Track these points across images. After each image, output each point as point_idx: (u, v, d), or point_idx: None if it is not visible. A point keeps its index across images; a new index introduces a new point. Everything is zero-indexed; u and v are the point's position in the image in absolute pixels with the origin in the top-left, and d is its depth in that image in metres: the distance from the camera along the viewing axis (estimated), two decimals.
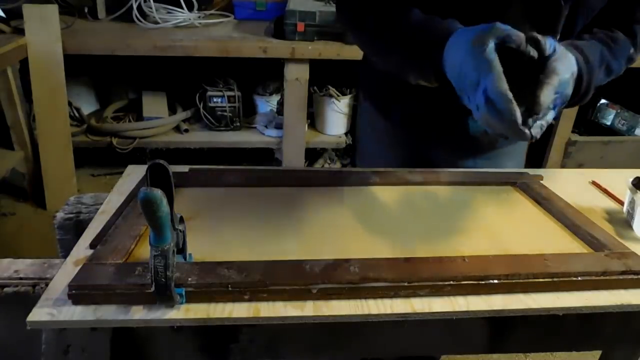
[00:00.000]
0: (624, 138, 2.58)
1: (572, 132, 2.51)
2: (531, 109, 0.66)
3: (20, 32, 2.01)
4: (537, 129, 0.67)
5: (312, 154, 2.63)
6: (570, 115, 2.37)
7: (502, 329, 0.71)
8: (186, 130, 2.45)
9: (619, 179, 0.97)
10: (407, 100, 1.01)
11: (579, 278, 0.69)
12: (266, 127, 2.49)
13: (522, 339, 0.72)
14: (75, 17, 2.24)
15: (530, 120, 0.66)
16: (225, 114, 2.44)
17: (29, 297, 0.66)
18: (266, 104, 2.61)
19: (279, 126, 2.44)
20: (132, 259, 0.69)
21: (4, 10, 2.10)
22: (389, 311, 0.64)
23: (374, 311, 0.64)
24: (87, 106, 2.54)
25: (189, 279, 0.63)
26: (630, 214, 0.87)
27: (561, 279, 0.68)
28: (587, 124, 2.63)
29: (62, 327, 0.61)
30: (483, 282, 0.67)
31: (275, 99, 2.60)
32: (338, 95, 2.45)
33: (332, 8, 2.23)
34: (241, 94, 2.44)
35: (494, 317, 0.67)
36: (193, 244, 0.70)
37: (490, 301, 0.66)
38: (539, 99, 0.66)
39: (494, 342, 0.72)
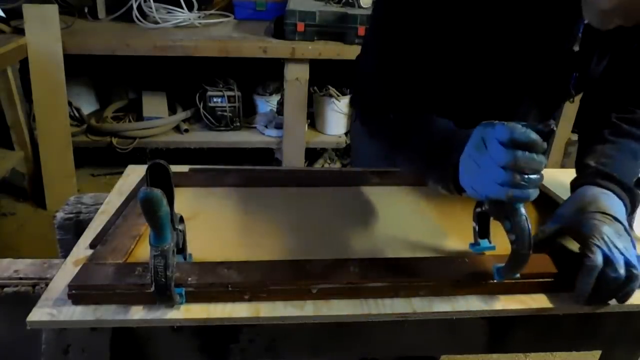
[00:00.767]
0: None
1: (572, 132, 2.51)
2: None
3: (20, 32, 2.01)
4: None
5: (312, 154, 2.63)
6: (570, 115, 2.37)
7: (502, 329, 0.71)
8: (186, 130, 2.45)
9: None
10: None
11: None
12: (266, 127, 2.49)
13: (522, 339, 0.72)
14: (75, 17, 2.24)
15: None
16: (225, 114, 2.44)
17: (29, 297, 0.66)
18: (266, 104, 2.61)
19: (279, 126, 2.44)
20: (132, 259, 0.69)
21: (4, 10, 2.10)
22: (389, 311, 0.64)
23: (374, 311, 0.64)
24: (87, 106, 2.54)
25: (189, 279, 0.63)
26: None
27: (560, 279, 0.68)
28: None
29: (62, 327, 0.61)
30: (483, 282, 0.67)
31: (275, 99, 2.60)
32: (338, 95, 2.45)
33: (332, 8, 2.23)
34: (241, 94, 2.44)
35: (494, 317, 0.67)
36: (193, 243, 0.70)
37: (490, 301, 0.66)
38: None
39: (494, 342, 0.72)
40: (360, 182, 0.95)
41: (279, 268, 0.67)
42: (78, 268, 0.65)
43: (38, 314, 0.60)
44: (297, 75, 2.23)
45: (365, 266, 0.68)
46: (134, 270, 0.64)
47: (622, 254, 0.64)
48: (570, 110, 2.28)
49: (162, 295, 0.59)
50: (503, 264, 0.65)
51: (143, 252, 0.71)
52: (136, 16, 2.25)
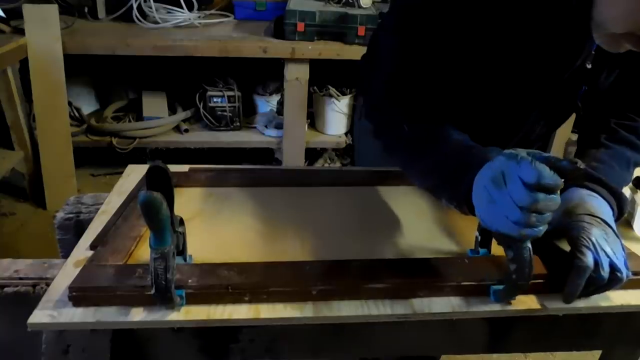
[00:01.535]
0: None
1: (572, 132, 2.51)
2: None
3: (20, 32, 2.01)
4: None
5: (312, 154, 2.63)
6: (569, 118, 2.37)
7: (502, 329, 0.71)
8: (186, 130, 2.45)
9: None
10: None
11: None
12: (266, 127, 2.49)
13: (522, 339, 0.72)
14: (75, 17, 2.24)
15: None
16: (225, 114, 2.44)
17: (29, 297, 0.66)
18: (266, 104, 2.61)
19: (279, 126, 2.44)
20: (132, 261, 0.69)
21: (4, 10, 2.10)
22: (389, 312, 0.64)
23: (374, 312, 0.64)
24: (87, 106, 2.54)
25: (189, 280, 0.63)
26: (631, 214, 0.87)
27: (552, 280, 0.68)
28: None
29: (63, 329, 0.61)
30: (483, 283, 0.67)
31: (275, 99, 2.60)
32: (338, 95, 2.45)
33: (332, 8, 2.23)
34: (241, 94, 2.44)
35: (494, 317, 0.68)
36: (193, 244, 0.70)
37: (489, 302, 0.66)
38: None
39: (494, 342, 0.72)
40: (360, 182, 0.95)
41: (279, 269, 0.67)
42: (78, 269, 0.65)
43: (39, 316, 0.60)
44: (297, 75, 2.23)
45: (365, 267, 0.68)
46: (135, 272, 0.64)
47: (608, 256, 0.64)
48: None
49: (163, 298, 0.59)
50: (500, 287, 0.65)
51: (143, 253, 0.71)
52: (136, 16, 2.25)
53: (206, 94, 2.42)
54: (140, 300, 0.62)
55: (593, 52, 0.76)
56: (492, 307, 0.66)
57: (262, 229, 0.80)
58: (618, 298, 0.68)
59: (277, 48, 2.16)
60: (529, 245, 0.60)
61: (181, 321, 0.61)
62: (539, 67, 0.78)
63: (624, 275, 0.64)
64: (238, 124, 2.48)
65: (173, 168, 0.91)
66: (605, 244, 0.65)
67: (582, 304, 0.67)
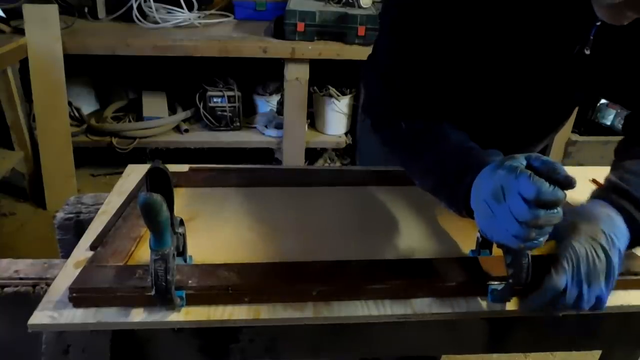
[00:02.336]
0: None
1: (572, 132, 2.51)
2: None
3: (20, 32, 2.01)
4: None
5: (312, 154, 2.63)
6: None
7: (502, 329, 0.71)
8: (186, 130, 2.45)
9: None
10: None
11: None
12: (266, 127, 2.49)
13: (522, 339, 0.72)
14: (75, 17, 2.24)
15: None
16: (225, 114, 2.44)
17: (29, 297, 0.66)
18: (266, 104, 2.61)
19: (279, 126, 2.44)
20: (132, 261, 0.69)
21: (4, 10, 2.10)
22: (389, 312, 0.64)
23: (374, 312, 0.64)
24: (87, 106, 2.54)
25: (190, 281, 0.63)
26: None
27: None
28: (587, 124, 2.62)
29: (63, 329, 0.61)
30: (483, 283, 0.67)
31: (275, 99, 2.60)
32: (338, 95, 2.44)
33: (332, 8, 2.23)
34: (241, 94, 2.44)
35: (494, 317, 0.68)
36: (193, 245, 0.70)
37: (490, 301, 0.66)
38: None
39: (494, 342, 0.72)
40: (360, 182, 0.95)
41: (278, 270, 0.67)
42: (79, 270, 0.65)
43: (39, 317, 0.60)
44: (297, 75, 2.23)
45: (365, 267, 0.68)
46: (135, 273, 0.64)
47: (579, 286, 0.61)
48: None
49: (163, 299, 0.59)
50: (498, 286, 0.65)
51: (143, 253, 0.71)
52: (136, 16, 2.25)
53: (206, 94, 2.42)
54: (140, 301, 0.62)
55: (592, 38, 0.74)
56: (492, 307, 0.66)
57: (262, 229, 0.80)
58: (618, 298, 0.68)
59: (277, 48, 2.16)
60: (528, 252, 0.60)
61: (181, 322, 0.61)
62: (538, 54, 0.77)
63: (588, 306, 0.62)
64: (238, 124, 2.48)
65: (173, 168, 0.91)
66: (585, 275, 0.61)
67: None
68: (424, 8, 0.74)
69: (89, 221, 0.81)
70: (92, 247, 0.72)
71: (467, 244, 0.77)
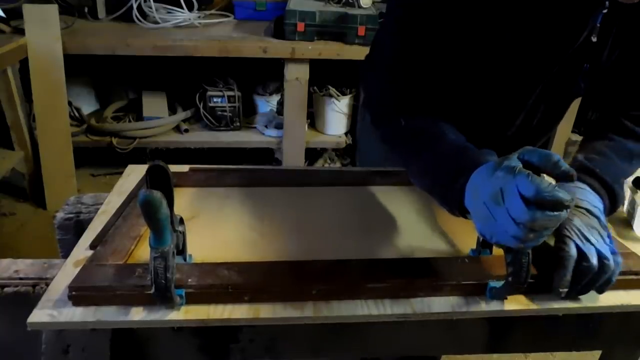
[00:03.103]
0: None
1: (572, 132, 2.51)
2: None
3: (20, 32, 2.01)
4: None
5: (312, 154, 2.63)
6: (570, 115, 2.37)
7: (502, 329, 0.71)
8: (186, 130, 2.45)
9: None
10: None
11: None
12: (266, 127, 2.49)
13: (522, 339, 0.72)
14: (75, 17, 2.24)
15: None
16: (225, 114, 2.44)
17: (29, 297, 0.66)
18: (266, 104, 2.61)
19: (279, 126, 2.44)
20: (132, 260, 0.69)
21: (4, 10, 2.10)
22: (389, 312, 0.64)
23: (374, 312, 0.64)
24: (87, 106, 2.54)
25: (189, 280, 0.63)
26: (631, 214, 0.87)
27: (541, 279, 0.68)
28: (587, 124, 2.63)
29: (62, 328, 0.61)
30: (483, 283, 0.67)
31: (275, 99, 2.60)
32: (338, 95, 2.45)
33: (332, 8, 2.23)
34: (241, 94, 2.44)
35: (494, 317, 0.67)
36: (193, 244, 0.70)
37: (490, 301, 0.66)
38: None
39: (494, 342, 0.72)
40: (360, 182, 0.95)
41: (278, 269, 0.67)
42: (78, 269, 0.65)
43: (38, 315, 0.60)
44: (297, 75, 2.23)
45: (365, 267, 0.68)
46: (134, 272, 0.64)
47: (592, 245, 0.64)
48: (570, 110, 2.28)
49: (163, 297, 0.59)
50: (497, 283, 0.65)
51: (143, 252, 0.71)
52: (136, 16, 2.25)
53: (206, 94, 2.42)
54: (140, 300, 0.62)
55: (598, 25, 0.75)
56: (492, 307, 0.66)
57: (262, 229, 0.80)
58: (618, 298, 0.68)
59: (277, 48, 2.16)
60: (528, 251, 0.60)
61: (181, 320, 0.61)
62: (545, 41, 0.77)
63: (611, 261, 0.63)
64: (238, 124, 2.48)
65: (173, 168, 0.91)
66: (588, 233, 0.65)
67: (581, 304, 0.67)
68: (429, 5, 0.74)
69: (89, 221, 0.81)
70: (92, 246, 0.72)
71: (467, 244, 0.77)
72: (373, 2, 2.30)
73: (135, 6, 2.25)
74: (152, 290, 0.58)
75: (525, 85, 0.84)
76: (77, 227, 0.84)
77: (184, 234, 0.67)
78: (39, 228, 2.14)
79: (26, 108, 2.19)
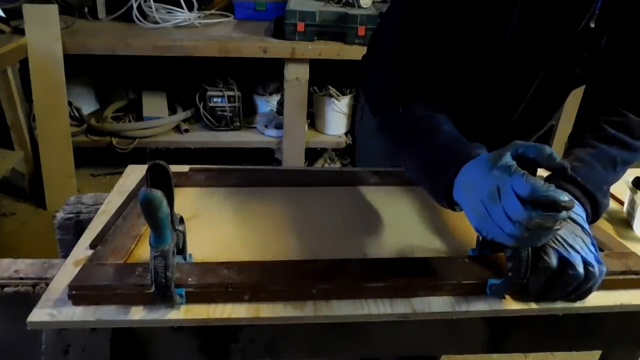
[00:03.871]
0: None
1: None
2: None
3: (20, 32, 2.01)
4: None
5: (312, 154, 2.63)
6: (570, 115, 2.37)
7: (502, 329, 0.71)
8: (186, 130, 2.45)
9: None
10: None
11: None
12: (266, 127, 2.49)
13: (522, 339, 0.72)
14: (75, 17, 2.24)
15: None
16: (225, 114, 2.44)
17: (29, 297, 0.66)
18: (266, 104, 2.61)
19: (279, 126, 2.44)
20: (132, 260, 0.69)
21: (4, 10, 2.10)
22: (389, 311, 0.64)
23: (374, 311, 0.64)
24: (87, 106, 2.54)
25: (189, 279, 0.63)
26: (630, 214, 0.87)
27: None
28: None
29: (62, 327, 0.61)
30: (483, 282, 0.67)
31: (275, 99, 2.60)
32: (338, 95, 2.45)
33: (332, 8, 2.23)
34: (241, 94, 2.44)
35: (494, 317, 0.67)
36: (193, 244, 0.70)
37: (490, 301, 0.66)
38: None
39: (494, 342, 0.72)
40: (360, 182, 0.95)
41: (279, 268, 0.67)
42: (78, 268, 0.65)
43: (38, 315, 0.60)
44: (297, 75, 2.23)
45: (365, 266, 0.68)
46: (134, 271, 0.64)
47: (578, 252, 0.63)
48: (570, 108, 2.28)
49: (163, 296, 0.59)
50: (497, 280, 0.65)
51: (143, 252, 0.71)
52: (136, 16, 2.25)
53: (206, 94, 2.42)
54: (140, 299, 0.62)
55: (597, 12, 0.75)
56: (492, 307, 0.66)
57: (262, 229, 0.80)
58: (618, 298, 0.68)
59: (277, 48, 2.16)
60: (528, 248, 0.60)
61: (181, 320, 0.61)
62: (547, 28, 0.77)
63: (596, 269, 0.63)
64: (238, 124, 2.48)
65: (173, 168, 0.90)
66: (573, 241, 0.64)
67: (581, 304, 0.67)
68: None
69: (88, 221, 0.81)
70: (92, 245, 0.72)
71: (467, 243, 0.77)
72: (373, 2, 2.30)
73: (135, 6, 2.25)
74: (152, 289, 0.58)
75: (526, 74, 0.84)
76: (77, 227, 0.84)
77: (184, 233, 0.67)
78: (39, 228, 2.14)
79: (26, 108, 2.19)
